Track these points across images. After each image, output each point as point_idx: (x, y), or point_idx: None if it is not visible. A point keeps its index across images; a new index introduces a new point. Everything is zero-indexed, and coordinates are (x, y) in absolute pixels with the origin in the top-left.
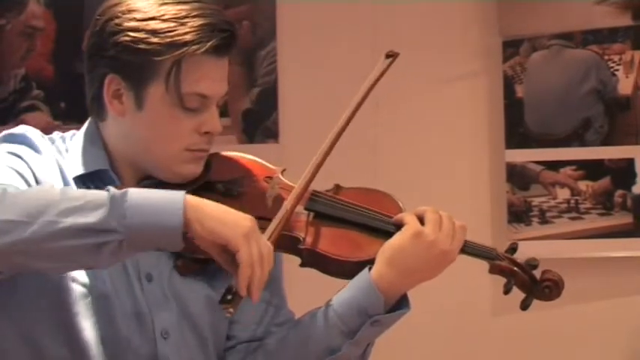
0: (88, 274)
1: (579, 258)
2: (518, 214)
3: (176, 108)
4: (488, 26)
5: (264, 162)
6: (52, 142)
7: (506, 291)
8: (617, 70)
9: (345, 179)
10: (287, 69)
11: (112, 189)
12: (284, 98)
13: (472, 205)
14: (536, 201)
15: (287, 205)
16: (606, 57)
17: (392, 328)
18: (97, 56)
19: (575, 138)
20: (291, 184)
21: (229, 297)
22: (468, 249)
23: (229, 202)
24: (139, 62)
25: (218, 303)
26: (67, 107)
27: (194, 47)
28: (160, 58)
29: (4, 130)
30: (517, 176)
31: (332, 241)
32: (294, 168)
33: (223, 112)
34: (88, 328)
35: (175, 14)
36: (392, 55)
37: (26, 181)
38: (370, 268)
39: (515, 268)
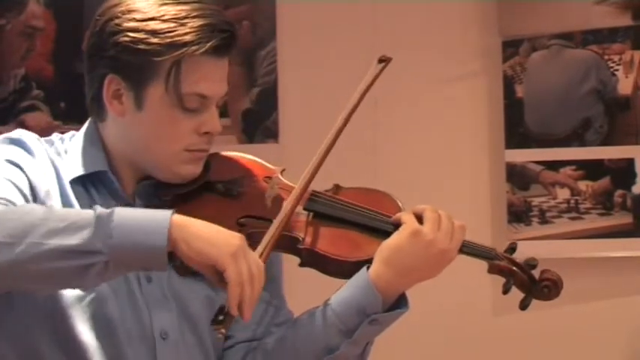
0: None
1: (579, 258)
2: (518, 214)
3: (176, 108)
4: (488, 26)
5: (263, 162)
6: (51, 143)
7: (505, 291)
8: (617, 70)
9: (345, 179)
10: (287, 69)
11: (98, 208)
12: (284, 98)
13: (472, 205)
14: (536, 201)
15: (286, 207)
16: (606, 57)
17: (391, 328)
18: (97, 56)
19: (575, 138)
20: (290, 184)
21: (221, 317)
22: (467, 249)
23: (229, 202)
24: (139, 62)
25: (210, 324)
26: (66, 107)
27: (194, 48)
28: (159, 59)
29: (3, 130)
30: (517, 176)
31: (331, 241)
32: (293, 168)
33: (223, 112)
34: (85, 331)
35: (175, 15)
36: (384, 60)
37: (21, 191)
38: (369, 268)
39: (514, 268)
